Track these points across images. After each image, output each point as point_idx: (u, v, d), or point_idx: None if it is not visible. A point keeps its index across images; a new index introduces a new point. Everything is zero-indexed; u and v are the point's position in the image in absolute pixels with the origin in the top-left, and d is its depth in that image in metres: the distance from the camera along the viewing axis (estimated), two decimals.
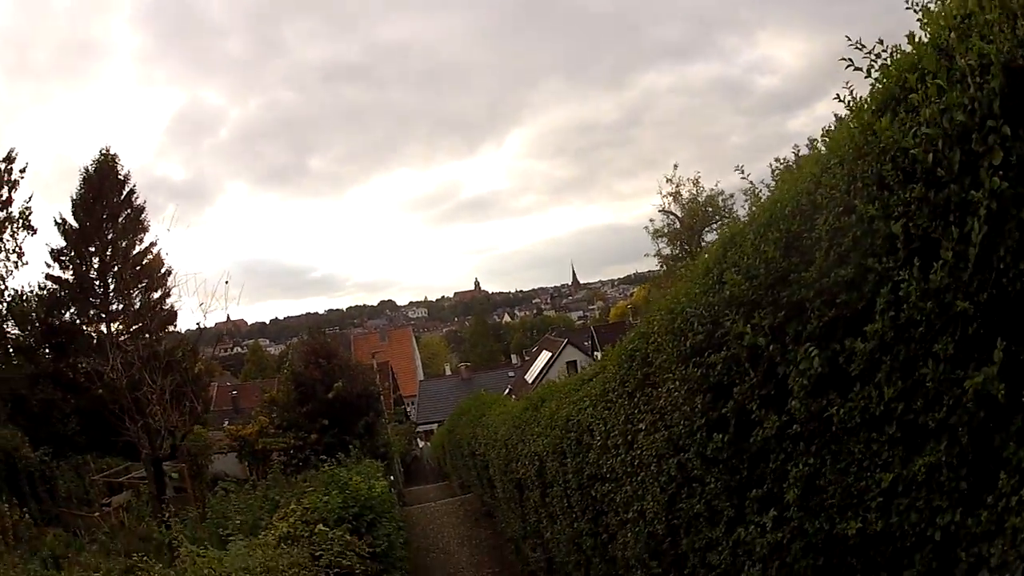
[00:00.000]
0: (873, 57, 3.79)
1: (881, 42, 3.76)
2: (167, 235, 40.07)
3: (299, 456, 27.31)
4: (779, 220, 4.46)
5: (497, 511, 18.97)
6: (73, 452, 32.13)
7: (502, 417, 16.41)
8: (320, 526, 11.49)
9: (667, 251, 40.36)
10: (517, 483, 14.00)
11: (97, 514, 25.59)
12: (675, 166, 44.01)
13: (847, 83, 4.00)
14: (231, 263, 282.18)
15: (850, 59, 3.87)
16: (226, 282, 22.06)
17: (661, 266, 39.40)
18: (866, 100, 3.83)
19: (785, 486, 4.55)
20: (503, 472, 15.33)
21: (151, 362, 21.21)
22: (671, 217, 40.00)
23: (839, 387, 3.96)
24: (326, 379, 31.07)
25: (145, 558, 7.16)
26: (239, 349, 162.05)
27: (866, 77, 3.80)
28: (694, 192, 39.68)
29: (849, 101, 3.99)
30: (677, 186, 39.54)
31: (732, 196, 36.64)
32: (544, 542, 12.95)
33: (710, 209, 38.22)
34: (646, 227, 40.72)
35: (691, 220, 38.53)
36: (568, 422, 9.63)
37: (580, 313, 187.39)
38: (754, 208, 5.16)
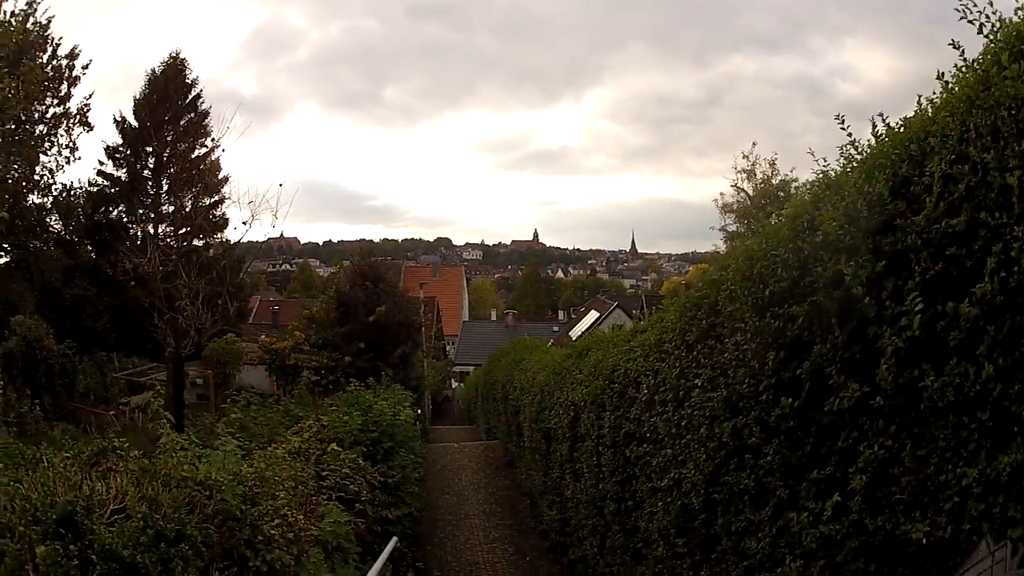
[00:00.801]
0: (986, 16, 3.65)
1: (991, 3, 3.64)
2: (229, 144, 39.30)
3: (330, 377, 27.00)
4: (885, 164, 3.95)
5: (519, 462, 18.41)
6: (100, 350, 32.44)
7: (542, 363, 15.69)
8: (333, 445, 10.79)
9: (732, 227, 39.20)
10: (546, 433, 13.28)
11: (112, 412, 25.32)
12: (753, 144, 42.44)
13: (954, 42, 3.80)
14: (291, 180, 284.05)
15: (963, 8, 3.70)
16: (279, 185, 21.53)
17: (725, 241, 38.18)
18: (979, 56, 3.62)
19: (852, 471, 4.03)
20: (534, 420, 14.60)
21: (189, 258, 20.80)
22: (742, 194, 38.80)
23: (934, 358, 3.47)
24: (369, 301, 30.45)
25: (125, 443, 6.40)
26: (288, 266, 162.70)
27: (978, 33, 3.66)
28: (768, 173, 38.41)
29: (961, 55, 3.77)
30: (753, 164, 38.28)
31: (805, 184, 35.06)
32: (563, 500, 12.30)
33: (781, 194, 36.87)
34: (715, 200, 39.76)
35: (761, 200, 37.26)
36: (613, 372, 8.90)
37: (633, 281, 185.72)
38: (851, 161, 4.58)
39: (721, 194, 39.81)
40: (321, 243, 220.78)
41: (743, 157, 38.68)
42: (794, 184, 36.48)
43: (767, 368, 4.92)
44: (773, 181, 38.07)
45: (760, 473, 5.05)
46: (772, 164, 38.33)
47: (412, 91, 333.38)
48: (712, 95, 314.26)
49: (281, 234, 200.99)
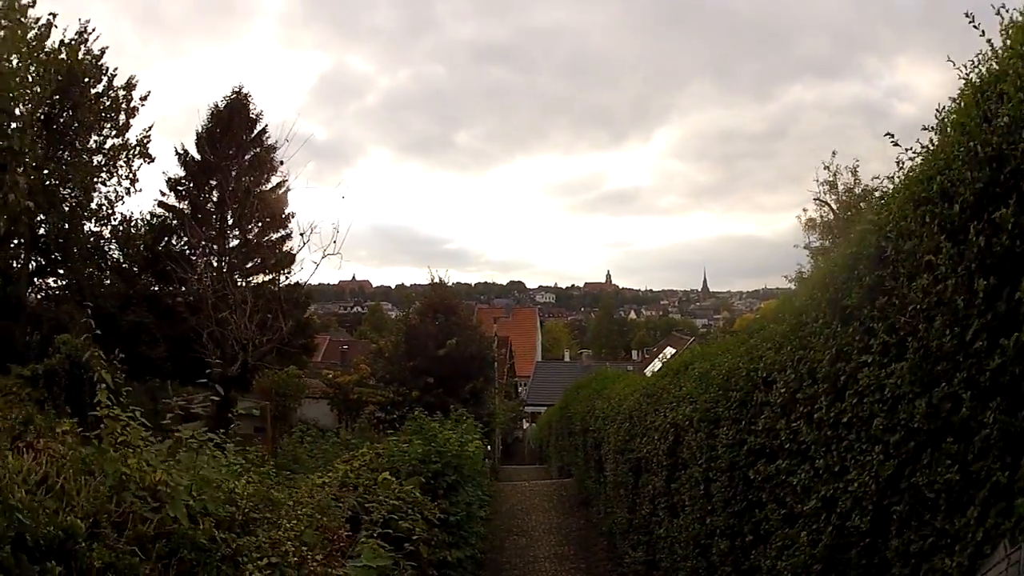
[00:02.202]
0: None
1: None
2: (302, 187, 39.08)
3: (395, 412, 25.62)
4: None
5: (597, 499, 16.77)
6: (156, 378, 31.46)
7: (630, 387, 14.00)
8: (385, 474, 9.16)
9: (817, 244, 37.01)
10: (635, 464, 11.53)
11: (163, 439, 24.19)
12: (833, 153, 39.91)
13: None
14: (364, 224, 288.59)
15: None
16: (335, 227, 20.38)
17: (811, 258, 35.89)
18: None
19: None
20: (619, 451, 12.86)
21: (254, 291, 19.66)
22: (825, 208, 36.60)
23: None
24: (440, 335, 29.54)
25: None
26: (360, 309, 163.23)
27: None
28: (851, 183, 36.15)
29: None
30: (834, 174, 36.06)
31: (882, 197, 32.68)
32: (651, 540, 10.61)
33: (863, 204, 34.66)
34: (798, 216, 37.61)
35: (846, 212, 35.04)
36: (729, 379, 7.31)
37: (705, 320, 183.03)
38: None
39: (804, 210, 37.53)
40: (394, 286, 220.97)
41: (824, 168, 36.49)
42: (877, 193, 34.19)
43: (977, 299, 3.60)
44: (856, 191, 35.74)
45: (969, 458, 3.66)
46: (854, 172, 36.03)
47: (482, 135, 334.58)
48: (776, 128, 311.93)
49: (353, 277, 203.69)
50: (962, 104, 4.10)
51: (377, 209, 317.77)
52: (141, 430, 5.20)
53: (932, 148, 4.34)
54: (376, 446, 12.19)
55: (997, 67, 3.95)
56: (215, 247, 35.18)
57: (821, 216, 36.71)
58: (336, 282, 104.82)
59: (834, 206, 35.70)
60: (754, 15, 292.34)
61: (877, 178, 34.72)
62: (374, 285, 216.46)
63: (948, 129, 4.19)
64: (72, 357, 23.75)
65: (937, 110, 4.44)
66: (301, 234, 31.87)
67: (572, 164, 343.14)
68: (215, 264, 33.08)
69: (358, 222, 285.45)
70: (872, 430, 4.48)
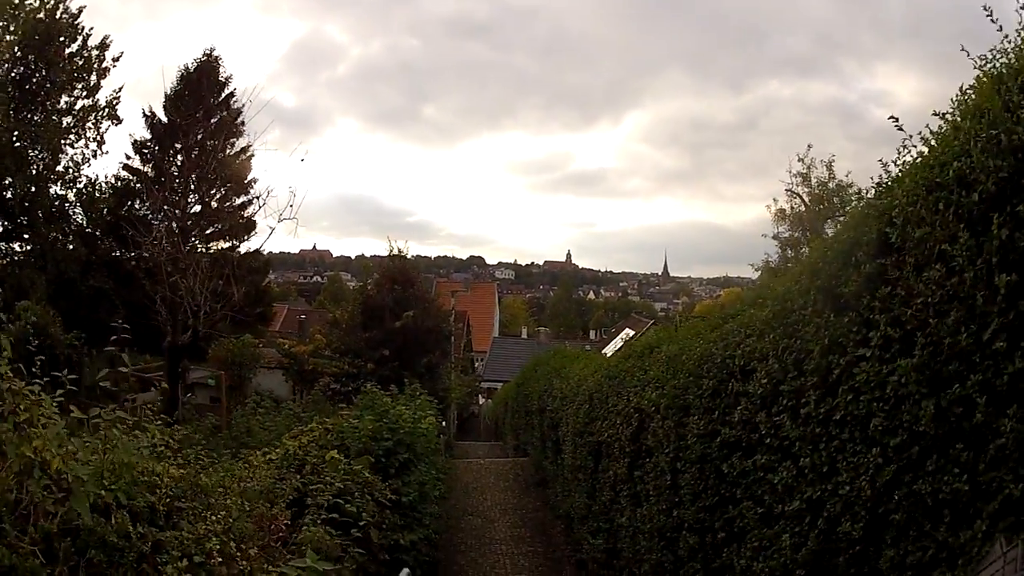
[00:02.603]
0: None
1: None
2: (264, 153, 38.31)
3: (351, 384, 25.37)
4: None
5: (555, 481, 16.27)
6: (114, 346, 30.85)
7: (591, 367, 13.54)
8: (333, 453, 8.69)
9: (786, 234, 36.72)
10: (595, 448, 11.14)
11: (116, 408, 23.64)
12: (808, 146, 39.45)
13: None
14: (328, 194, 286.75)
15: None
16: (292, 194, 19.80)
17: (780, 249, 35.63)
18: None
19: None
20: (578, 433, 12.43)
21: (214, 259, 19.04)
22: (796, 199, 36.34)
23: None
24: (397, 307, 28.93)
25: None
26: (319, 279, 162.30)
27: None
28: (825, 177, 35.92)
29: None
30: (808, 167, 35.81)
31: (862, 191, 32.40)
32: (612, 528, 10.24)
33: (836, 199, 34.45)
34: (767, 206, 37.38)
35: (818, 205, 34.83)
36: (702, 365, 6.91)
37: (664, 304, 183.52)
38: None
39: (775, 200, 37.32)
40: (354, 257, 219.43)
41: (798, 160, 36.22)
42: (851, 190, 34.09)
43: (998, 298, 3.35)
44: (830, 185, 35.51)
45: (980, 468, 3.44)
46: (829, 167, 35.78)
47: (452, 109, 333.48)
48: (747, 119, 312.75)
49: (314, 246, 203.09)
50: (980, 93, 3.85)
51: (341, 179, 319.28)
52: (50, 405, 4.24)
53: (945, 134, 4.07)
54: (326, 421, 11.69)
55: (1016, 61, 3.80)
56: (176, 212, 34.53)
57: (792, 207, 36.59)
58: (296, 251, 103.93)
59: (806, 198, 35.56)
60: (736, 8, 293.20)
61: (848, 180, 34.92)
62: (335, 255, 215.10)
63: (963, 118, 3.91)
64: (32, 324, 23.27)
65: (952, 98, 4.13)
66: (257, 198, 31.25)
67: (541, 143, 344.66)
68: (176, 229, 32.36)
69: (321, 192, 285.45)
70: (870, 431, 4.16)
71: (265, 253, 38.39)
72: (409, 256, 33.32)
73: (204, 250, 31.42)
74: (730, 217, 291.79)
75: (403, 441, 11.67)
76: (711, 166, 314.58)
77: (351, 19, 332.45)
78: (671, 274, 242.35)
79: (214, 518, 4.51)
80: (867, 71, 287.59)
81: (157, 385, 26.32)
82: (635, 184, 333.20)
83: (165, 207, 32.20)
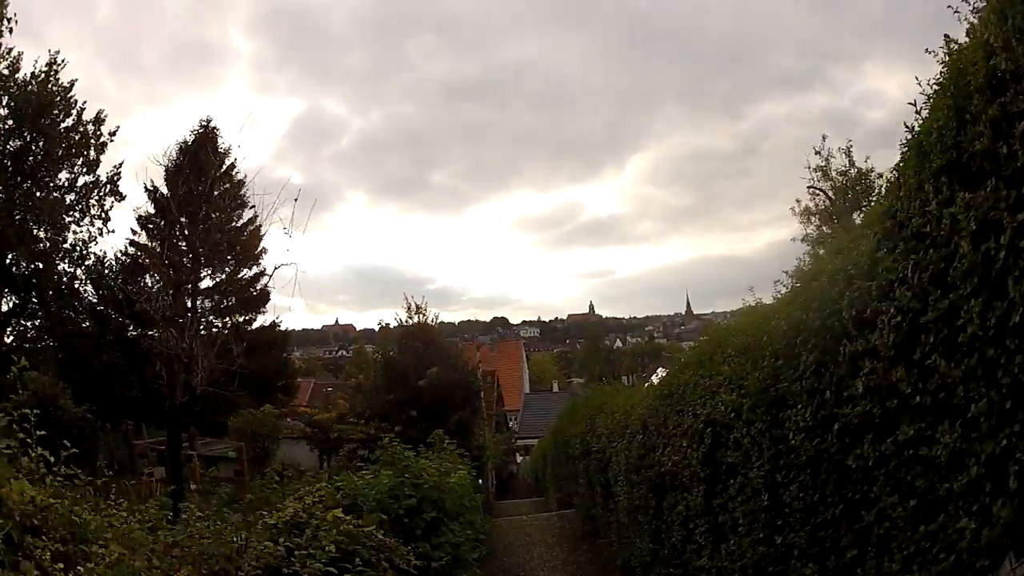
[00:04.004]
0: None
1: None
2: (278, 233, 38.32)
3: (377, 449, 23.78)
4: None
5: (607, 529, 14.75)
6: (129, 420, 31.41)
7: (637, 396, 12.02)
8: (335, 512, 7.10)
9: (814, 234, 35.09)
10: (655, 483, 9.49)
11: (134, 482, 22.57)
12: (824, 137, 37.70)
13: None
14: (346, 268, 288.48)
15: None
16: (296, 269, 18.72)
17: (811, 247, 33.87)
18: None
19: None
20: (633, 470, 10.79)
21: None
22: (819, 196, 34.73)
23: None
24: (420, 365, 27.78)
25: None
26: (344, 352, 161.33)
27: None
28: (846, 165, 34.32)
29: None
30: (827, 159, 34.27)
31: (881, 176, 30.89)
32: (686, 572, 8.49)
33: (858, 187, 32.82)
34: (792, 208, 35.98)
35: (842, 197, 33.17)
36: (795, 340, 5.49)
37: (691, 343, 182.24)
38: None
39: (797, 200, 35.88)
40: (377, 329, 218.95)
41: (815, 153, 34.74)
42: (873, 175, 32.53)
43: None
44: (851, 173, 33.90)
45: None
46: (848, 153, 34.19)
47: (458, 173, 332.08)
48: (748, 145, 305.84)
49: (336, 321, 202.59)
50: None
51: (357, 252, 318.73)
52: None
53: None
54: (335, 479, 10.13)
55: None
56: (188, 287, 33.89)
57: (816, 204, 35.11)
58: (319, 327, 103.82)
59: (830, 192, 34.05)
60: (719, 34, 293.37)
61: (868, 166, 33.41)
62: (358, 328, 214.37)
63: None
64: (40, 395, 22.27)
65: None
66: (263, 273, 30.59)
67: (548, 198, 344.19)
68: (188, 304, 31.67)
69: (338, 266, 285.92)
70: None
71: (284, 328, 38.11)
72: (431, 318, 32.03)
73: (219, 324, 31.28)
74: (745, 246, 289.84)
75: (428, 498, 10.01)
76: (719, 198, 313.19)
77: (346, 90, 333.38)
78: (694, 311, 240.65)
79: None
80: (856, 73, 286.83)
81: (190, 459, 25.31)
82: (646, 227, 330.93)
83: (173, 278, 31.73)
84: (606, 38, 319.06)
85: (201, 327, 18.09)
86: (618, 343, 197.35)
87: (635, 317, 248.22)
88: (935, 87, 4.17)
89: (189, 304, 30.57)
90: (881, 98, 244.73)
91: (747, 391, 6.23)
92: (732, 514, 6.72)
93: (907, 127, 4.61)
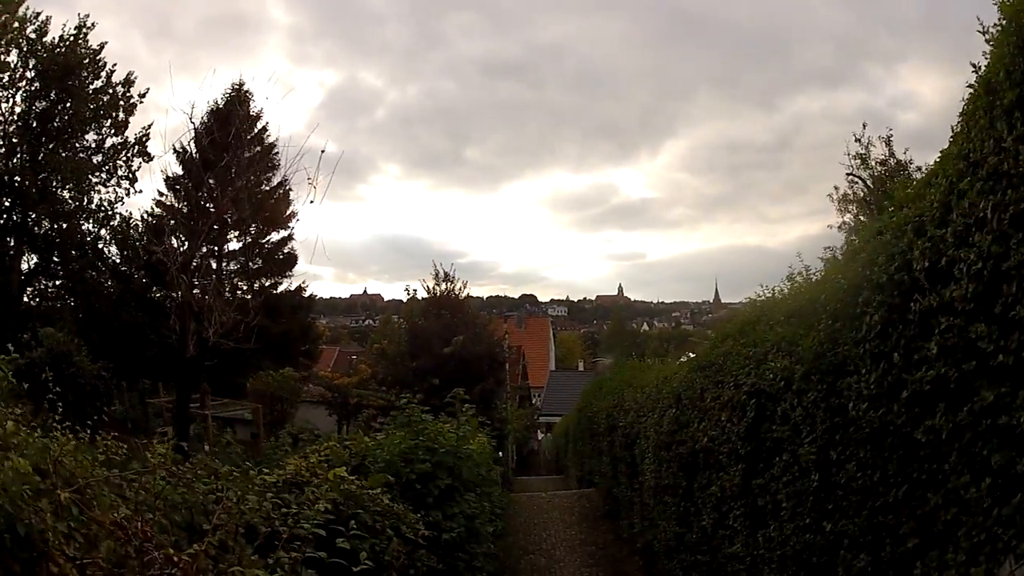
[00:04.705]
0: None
1: None
2: (309, 203, 37.88)
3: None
4: None
5: (629, 509, 14.09)
6: (147, 379, 31.59)
7: (671, 369, 11.43)
8: (336, 470, 6.48)
9: (852, 222, 34.34)
10: (687, 460, 8.80)
11: (145, 441, 22.19)
12: (864, 125, 36.59)
13: None
14: (377, 239, 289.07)
15: None
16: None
17: (848, 236, 33.06)
18: None
19: None
20: (663, 446, 10.04)
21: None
22: (858, 183, 33.91)
23: None
24: (445, 332, 27.24)
25: None
26: (372, 322, 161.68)
27: None
28: (885, 154, 33.47)
29: None
30: (867, 147, 33.39)
31: (920, 169, 30.18)
32: (715, 561, 7.93)
33: (896, 178, 31.91)
34: (829, 195, 35.34)
35: (880, 187, 32.31)
36: (857, 297, 4.93)
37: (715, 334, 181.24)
38: None
39: (836, 188, 35.17)
40: (405, 300, 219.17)
41: (855, 140, 33.91)
42: (912, 167, 31.69)
43: None
44: (890, 163, 33.05)
45: None
46: (888, 143, 33.33)
47: (493, 151, 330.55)
48: (781, 138, 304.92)
49: (364, 291, 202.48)
50: None
51: (389, 223, 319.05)
52: None
53: None
54: (344, 438, 9.54)
55: None
56: (215, 249, 33.64)
57: (854, 192, 34.32)
58: (348, 295, 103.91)
59: (868, 180, 33.19)
60: (757, 26, 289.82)
61: (907, 158, 32.54)
62: (386, 299, 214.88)
63: None
64: (53, 350, 22.98)
65: None
66: (293, 238, 31.88)
67: (581, 179, 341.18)
68: (214, 267, 31.37)
69: (369, 236, 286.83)
70: None
71: (309, 293, 38.39)
72: (459, 287, 31.43)
73: (244, 286, 31.85)
74: (775, 238, 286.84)
75: (444, 463, 9.36)
76: (751, 188, 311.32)
77: (384, 65, 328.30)
78: (722, 300, 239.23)
79: None
80: (891, 74, 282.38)
81: (193, 418, 24.85)
82: (679, 213, 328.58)
83: (203, 245, 31.47)
84: (644, 23, 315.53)
85: (226, 289, 17.67)
86: (645, 327, 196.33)
87: (663, 302, 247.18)
88: (998, 27, 3.78)
89: (214, 265, 30.49)
90: (914, 101, 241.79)
91: (800, 357, 5.58)
92: (774, 496, 6.07)
93: (973, 66, 4.20)
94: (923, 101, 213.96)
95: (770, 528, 6.23)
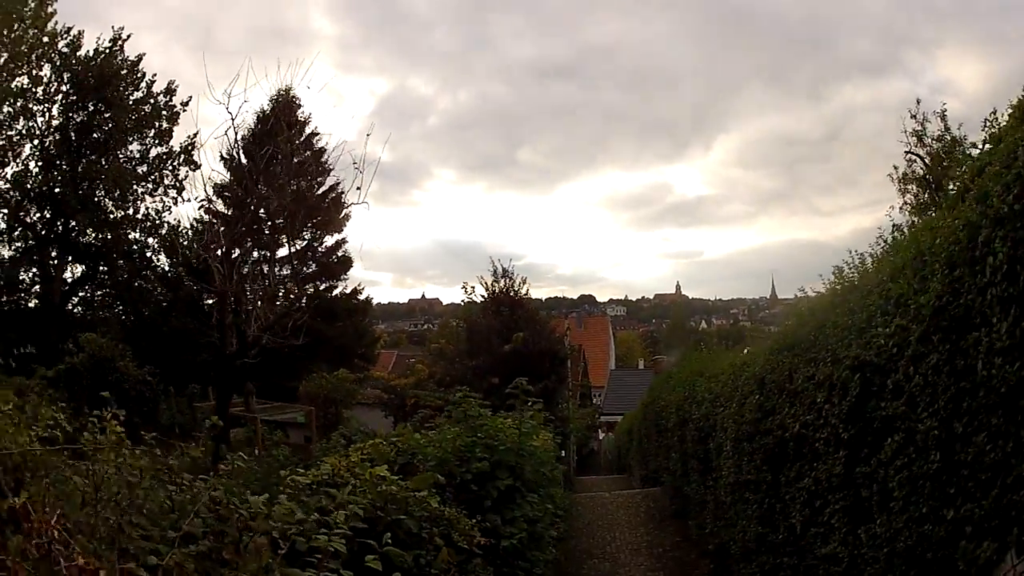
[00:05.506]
0: None
1: None
2: (364, 211, 38.43)
3: None
4: None
5: (700, 509, 13.26)
6: (196, 384, 31.51)
7: (750, 355, 10.61)
8: (376, 469, 5.71)
9: (911, 201, 33.22)
10: (772, 452, 7.93)
11: (193, 446, 21.87)
12: (918, 101, 35.29)
13: None
14: (435, 243, 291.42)
15: None
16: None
17: (910, 216, 31.88)
18: None
19: None
20: (744, 438, 9.15)
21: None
22: (916, 161, 32.75)
23: None
24: (505, 330, 26.60)
25: None
26: (431, 327, 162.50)
27: None
28: (941, 130, 32.29)
29: None
30: (923, 122, 32.19)
31: (975, 146, 29.04)
32: (803, 565, 7.12)
33: (958, 153, 30.70)
34: (889, 175, 34.23)
35: (939, 163, 31.13)
36: (982, 237, 4.22)
37: (774, 327, 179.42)
38: None
39: (895, 167, 34.11)
40: (462, 298, 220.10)
41: (911, 117, 32.78)
42: (968, 143, 30.47)
43: None
44: (947, 138, 31.88)
45: None
46: (943, 118, 32.15)
47: (547, 152, 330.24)
48: (831, 130, 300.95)
49: (423, 295, 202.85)
50: None
51: (446, 228, 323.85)
52: None
53: None
54: (391, 434, 8.81)
55: None
56: (267, 255, 33.60)
57: (912, 172, 33.18)
58: (406, 300, 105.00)
59: (926, 158, 32.07)
60: (797, 17, 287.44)
61: (961, 133, 31.38)
62: (444, 303, 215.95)
63: None
64: (95, 356, 23.88)
65: None
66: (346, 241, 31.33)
67: (636, 177, 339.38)
68: (265, 271, 31.39)
69: (427, 241, 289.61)
70: None
71: (365, 296, 39.30)
72: (518, 283, 30.72)
73: (302, 292, 31.59)
74: (829, 232, 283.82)
75: (505, 462, 8.54)
76: (803, 182, 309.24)
77: (434, 71, 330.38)
78: (779, 296, 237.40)
79: None
80: (930, 61, 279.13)
81: (246, 422, 24.43)
82: (734, 209, 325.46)
83: (256, 251, 31.39)
84: (691, 20, 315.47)
85: (278, 292, 17.51)
86: (703, 324, 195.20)
87: (720, 299, 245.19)
88: None
89: (265, 270, 30.31)
90: (953, 88, 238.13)
91: (919, 311, 4.78)
92: (884, 485, 5.27)
93: None
94: (963, 87, 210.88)
95: (876, 522, 5.43)
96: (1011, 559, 3.24)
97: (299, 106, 36.26)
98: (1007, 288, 3.86)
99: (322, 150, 36.07)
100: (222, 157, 34.10)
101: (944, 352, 4.48)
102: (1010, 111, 8.37)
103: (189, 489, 3.92)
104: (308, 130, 36.58)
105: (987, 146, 4.22)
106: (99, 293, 34.22)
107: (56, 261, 32.26)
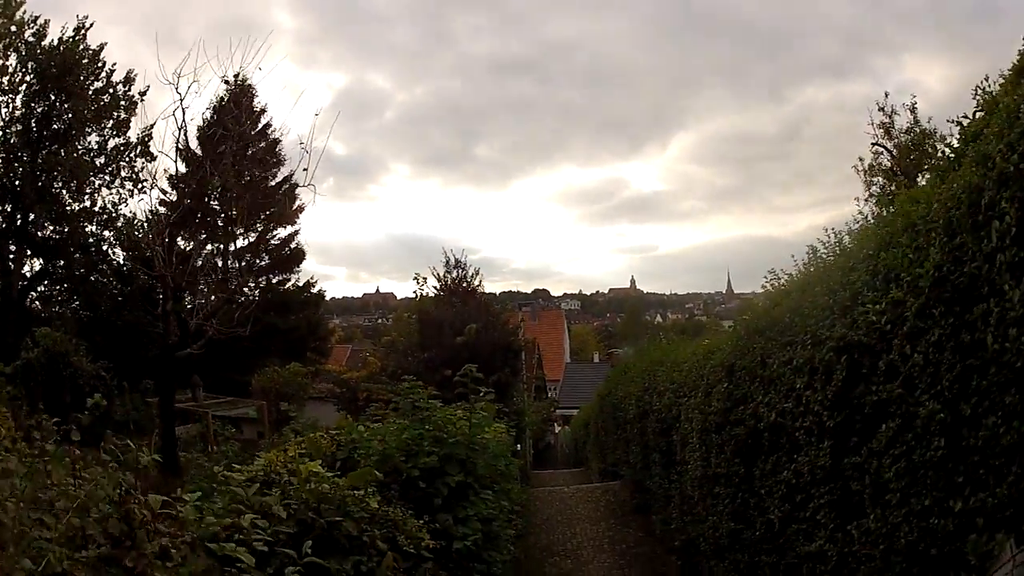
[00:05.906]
0: None
1: None
2: (316, 203, 38.28)
3: None
4: None
5: (666, 503, 12.66)
6: (149, 379, 30.17)
7: (715, 341, 10.13)
8: (310, 464, 5.16)
9: (878, 191, 33.35)
10: (745, 443, 7.43)
11: (145, 443, 21.11)
12: (886, 94, 35.52)
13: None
14: (388, 238, 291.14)
15: None
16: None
17: (877, 206, 31.80)
18: None
19: None
20: (711, 429, 8.64)
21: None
22: (883, 153, 32.87)
23: None
24: (458, 321, 26.27)
25: None
26: (384, 321, 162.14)
27: None
28: (911, 122, 32.40)
29: None
30: (891, 114, 32.30)
31: (946, 138, 28.97)
32: (783, 563, 6.65)
33: (927, 147, 30.70)
34: (855, 166, 34.33)
35: (906, 155, 31.21)
36: (984, 199, 3.88)
37: (731, 322, 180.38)
38: None
39: (860, 159, 34.25)
40: (415, 290, 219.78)
41: (879, 109, 32.91)
42: (938, 136, 30.52)
43: None
44: (916, 130, 32.01)
45: None
46: (912, 110, 32.28)
47: (503, 147, 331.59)
48: (790, 129, 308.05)
49: (377, 290, 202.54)
50: None
51: (401, 222, 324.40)
52: None
53: None
54: (331, 429, 8.70)
55: None
56: (221, 247, 33.43)
57: (879, 164, 33.31)
58: (360, 295, 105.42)
59: (893, 150, 32.14)
60: (762, 17, 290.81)
61: (931, 126, 31.49)
62: (399, 297, 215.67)
63: None
64: (50, 351, 23.63)
65: None
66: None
67: (592, 173, 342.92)
68: (219, 265, 30.83)
69: (381, 235, 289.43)
70: None
71: (318, 289, 40.02)
72: (471, 274, 30.28)
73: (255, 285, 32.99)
74: (786, 228, 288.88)
75: (455, 456, 8.00)
76: (761, 180, 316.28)
77: (392, 66, 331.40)
78: (735, 291, 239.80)
79: None
80: (897, 64, 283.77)
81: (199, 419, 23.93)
82: (689, 205, 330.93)
83: (209, 244, 30.85)
84: (651, 18, 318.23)
85: (231, 284, 17.12)
86: (659, 318, 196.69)
87: (676, 294, 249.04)
88: None
89: (219, 263, 29.73)
90: (919, 88, 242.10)
91: (913, 288, 4.34)
92: (878, 476, 4.80)
93: None
94: (928, 89, 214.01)
95: (869, 518, 4.95)
96: (1011, 548, 3.13)
97: (255, 95, 35.33)
98: (1017, 252, 3.46)
99: (276, 141, 36.06)
100: (176, 147, 34.31)
101: (947, 326, 4.04)
102: (1008, 72, 8.13)
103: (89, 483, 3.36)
104: (263, 121, 36.41)
105: (979, 114, 3.82)
106: (56, 288, 33.99)
107: (14, 255, 31.92)
